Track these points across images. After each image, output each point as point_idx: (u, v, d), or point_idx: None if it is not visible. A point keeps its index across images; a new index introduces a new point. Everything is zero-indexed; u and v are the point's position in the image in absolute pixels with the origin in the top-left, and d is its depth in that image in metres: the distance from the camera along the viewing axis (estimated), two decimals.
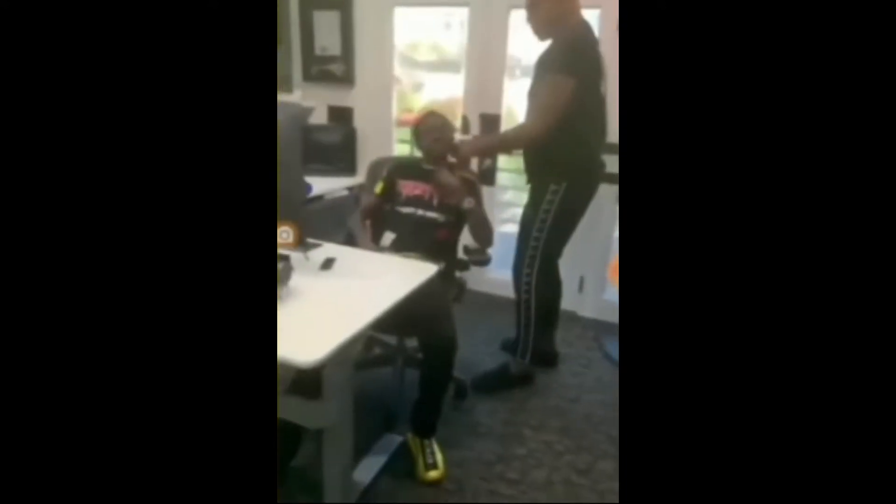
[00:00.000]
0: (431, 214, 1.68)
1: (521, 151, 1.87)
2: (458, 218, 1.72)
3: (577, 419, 1.77)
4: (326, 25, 2.64)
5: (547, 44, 1.68)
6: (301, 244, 1.32)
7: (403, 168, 1.79)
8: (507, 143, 1.82)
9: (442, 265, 1.62)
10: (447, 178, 1.64)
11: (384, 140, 2.75)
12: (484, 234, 1.67)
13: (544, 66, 1.63)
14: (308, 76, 2.77)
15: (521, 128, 1.71)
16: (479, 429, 1.69)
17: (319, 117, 2.82)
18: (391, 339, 1.85)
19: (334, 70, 2.69)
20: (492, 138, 1.85)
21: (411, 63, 2.83)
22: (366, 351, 2.11)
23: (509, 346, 2.13)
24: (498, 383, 1.91)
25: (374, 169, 1.92)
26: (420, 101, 3.16)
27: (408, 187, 1.73)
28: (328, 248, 1.41)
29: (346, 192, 2.59)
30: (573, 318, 2.54)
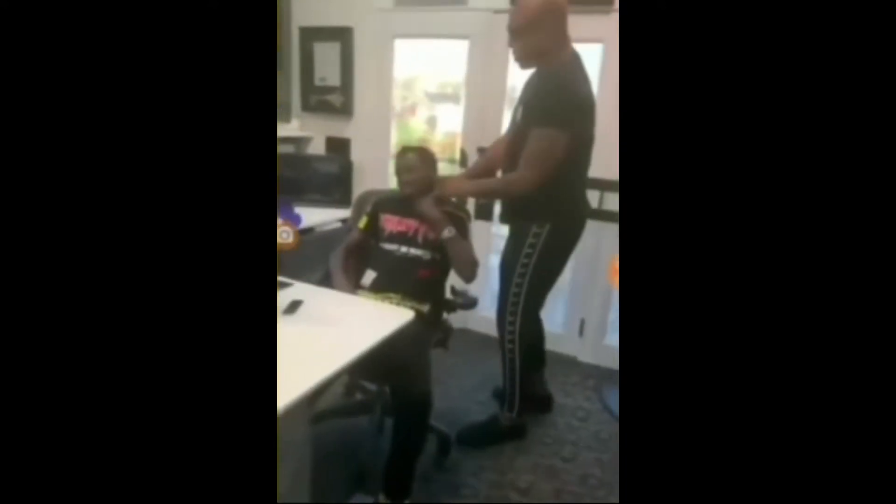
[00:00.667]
0: (415, 252, 1.58)
1: None
2: (444, 256, 1.60)
3: (571, 481, 1.61)
4: (327, 56, 2.62)
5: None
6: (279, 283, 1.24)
7: (387, 202, 1.70)
8: (495, 194, 1.71)
9: (425, 308, 1.51)
10: (428, 208, 1.54)
11: (381, 172, 2.68)
12: (466, 266, 1.53)
13: (532, 110, 1.50)
14: (307, 106, 2.73)
15: (511, 181, 1.57)
16: (463, 490, 1.53)
17: (317, 147, 2.78)
18: (372, 385, 1.72)
19: (333, 101, 2.65)
20: (478, 185, 1.71)
21: (411, 94, 2.79)
22: (347, 396, 1.98)
23: (501, 395, 1.99)
24: (486, 437, 1.76)
25: (360, 203, 1.83)
26: (422, 133, 3.11)
27: (391, 222, 1.63)
28: (298, 289, 1.30)
29: (338, 225, 2.51)
30: (573, 363, 2.39)
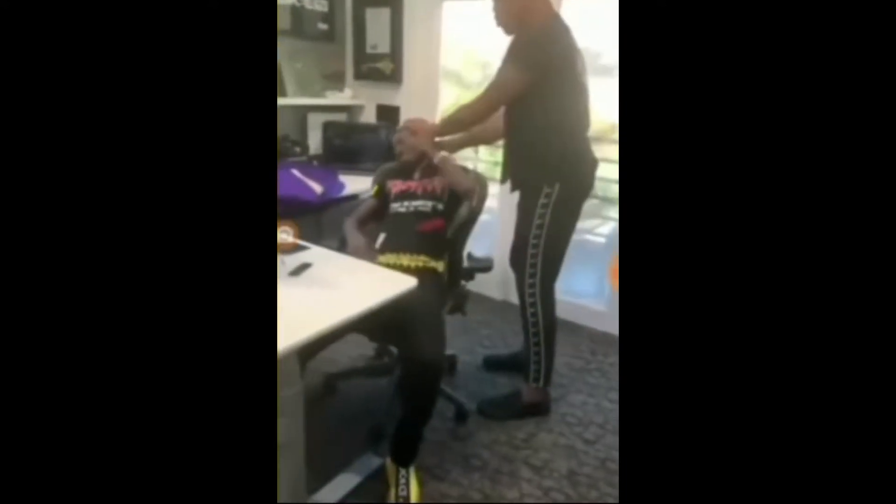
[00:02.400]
0: (416, 203, 1.63)
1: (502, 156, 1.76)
2: (447, 206, 1.64)
3: (589, 464, 1.55)
4: (377, 23, 2.61)
5: None
6: (298, 246, 1.29)
7: (393, 170, 1.82)
8: (452, 125, 1.72)
9: (440, 266, 1.53)
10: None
11: None
12: (461, 180, 1.63)
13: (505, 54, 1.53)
14: (359, 74, 2.75)
15: (461, 108, 1.64)
16: (473, 462, 1.54)
17: (369, 116, 2.80)
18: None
19: (383, 68, 2.65)
20: (441, 122, 1.78)
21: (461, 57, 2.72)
22: (377, 359, 2.03)
23: (502, 364, 1.99)
24: (507, 411, 1.74)
25: (378, 174, 1.90)
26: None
27: (397, 186, 1.71)
28: (311, 253, 1.34)
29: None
30: (613, 341, 2.27)
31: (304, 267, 1.23)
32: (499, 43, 1.60)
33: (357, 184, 2.15)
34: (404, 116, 2.69)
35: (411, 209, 1.63)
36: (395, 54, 2.59)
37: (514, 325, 2.00)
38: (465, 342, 2.19)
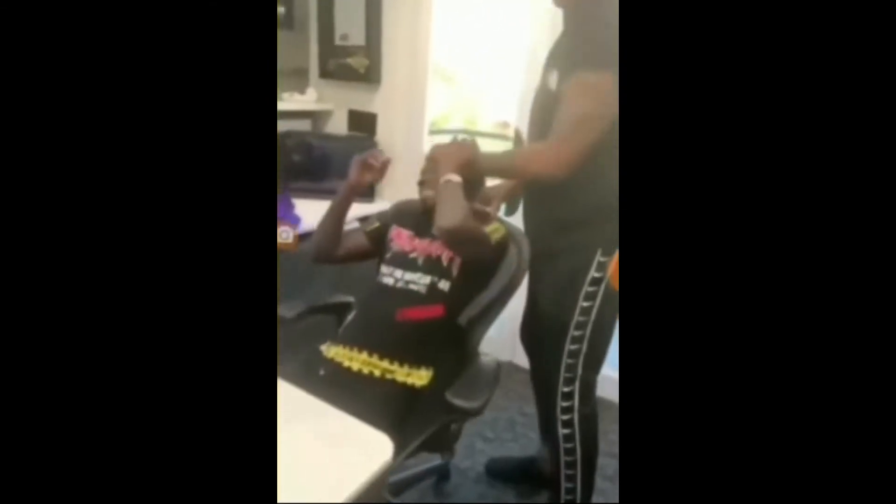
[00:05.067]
0: (410, 277, 1.08)
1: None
2: (459, 284, 1.07)
3: None
4: (348, 8, 2.05)
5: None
6: None
7: (405, 213, 1.23)
8: (508, 171, 1.11)
9: (417, 376, 0.97)
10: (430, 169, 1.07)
11: (413, 156, 2.12)
12: (450, 212, 0.97)
13: (568, 57, 1.00)
14: (325, 72, 2.19)
15: (534, 154, 1.02)
16: None
17: (337, 125, 2.25)
18: None
19: (355, 64, 2.09)
20: (488, 157, 1.10)
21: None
22: None
23: (511, 473, 1.47)
24: (519, 476, 1.38)
25: (389, 211, 1.32)
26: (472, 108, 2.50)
27: (402, 238, 1.15)
28: None
29: (356, 225, 2.00)
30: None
31: None
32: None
33: (322, 213, 1.58)
34: (383, 126, 2.14)
35: (400, 284, 1.08)
36: (372, 47, 2.04)
37: (528, 402, 1.48)
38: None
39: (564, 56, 1.03)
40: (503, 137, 2.33)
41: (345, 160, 2.01)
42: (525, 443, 1.62)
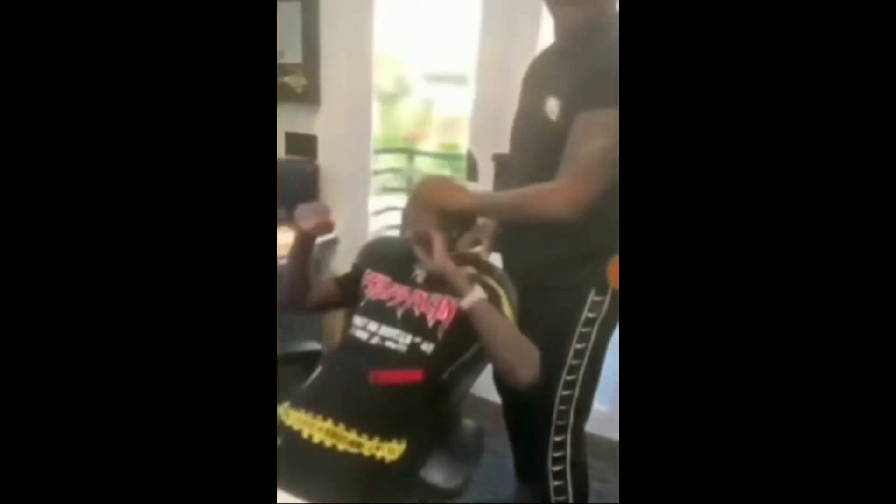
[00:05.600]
0: (387, 332, 0.93)
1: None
2: (444, 348, 0.93)
3: None
4: (284, 23, 1.90)
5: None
6: None
7: (382, 256, 1.09)
8: (521, 212, 1.00)
9: (387, 449, 0.81)
10: (440, 256, 0.93)
11: (358, 180, 1.99)
12: (513, 358, 0.87)
13: (581, 89, 0.90)
14: None
15: (549, 194, 0.92)
16: None
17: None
18: None
19: (292, 84, 1.94)
20: (496, 198, 1.06)
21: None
22: None
23: None
24: None
25: (367, 252, 1.18)
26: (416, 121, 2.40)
27: (378, 285, 1.01)
28: None
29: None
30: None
31: None
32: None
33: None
34: (324, 149, 1.99)
35: (375, 340, 0.93)
36: (310, 65, 1.90)
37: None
38: None
39: (569, 84, 0.93)
40: (451, 157, 2.24)
41: (285, 185, 1.87)
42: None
